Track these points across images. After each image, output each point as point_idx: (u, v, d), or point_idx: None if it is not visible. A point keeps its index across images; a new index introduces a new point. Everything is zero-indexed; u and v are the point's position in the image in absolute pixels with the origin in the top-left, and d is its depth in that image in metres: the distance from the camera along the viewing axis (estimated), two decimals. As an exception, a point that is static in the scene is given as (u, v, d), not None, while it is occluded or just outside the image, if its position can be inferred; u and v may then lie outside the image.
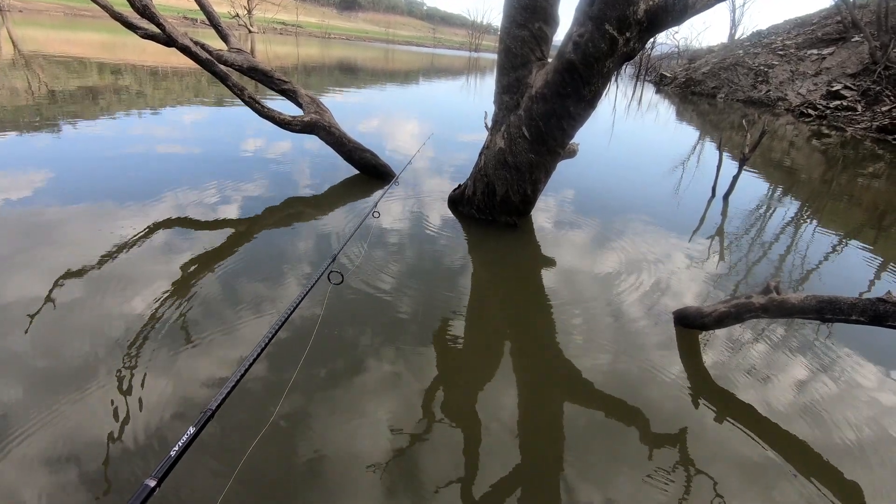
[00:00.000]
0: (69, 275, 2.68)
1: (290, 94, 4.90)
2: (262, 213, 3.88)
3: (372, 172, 5.12)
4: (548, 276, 3.47)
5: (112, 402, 1.88)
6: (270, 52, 23.95)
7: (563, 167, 4.46)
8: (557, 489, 1.76)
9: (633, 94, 23.79)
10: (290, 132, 4.70)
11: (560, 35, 3.56)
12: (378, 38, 67.10)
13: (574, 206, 5.01)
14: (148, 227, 3.37)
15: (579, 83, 3.24)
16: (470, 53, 60.18)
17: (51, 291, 2.51)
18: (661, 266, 3.75)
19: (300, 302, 1.64)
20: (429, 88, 16.90)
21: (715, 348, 2.75)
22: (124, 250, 3.02)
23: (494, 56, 4.11)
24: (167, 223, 3.47)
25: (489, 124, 4.11)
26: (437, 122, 9.56)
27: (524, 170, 3.77)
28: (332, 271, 2.04)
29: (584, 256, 3.82)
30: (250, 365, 1.31)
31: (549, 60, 3.53)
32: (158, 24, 3.76)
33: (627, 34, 3.00)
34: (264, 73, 4.79)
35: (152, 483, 0.96)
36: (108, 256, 2.92)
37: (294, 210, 4.07)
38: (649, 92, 25.37)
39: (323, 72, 17.74)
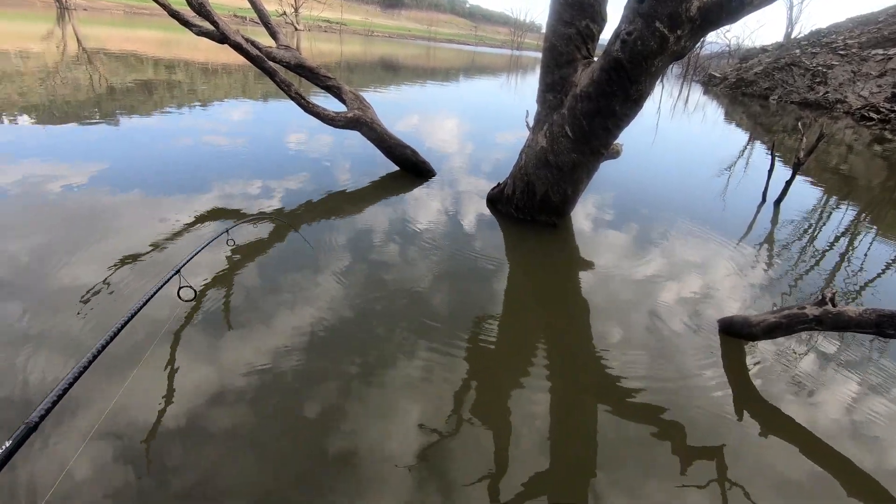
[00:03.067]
0: (120, 260, 2.82)
1: (335, 91, 4.98)
2: (302, 206, 3.98)
3: (411, 169, 5.16)
4: (585, 279, 3.41)
5: (154, 383, 1.97)
6: (315, 49, 24.45)
7: (605, 167, 4.37)
8: (586, 496, 1.73)
9: (680, 94, 23.03)
10: (332, 128, 4.79)
11: (607, 33, 3.49)
12: (420, 35, 67.43)
13: (615, 208, 4.91)
14: (194, 217, 3.51)
15: (626, 82, 3.16)
16: (512, 52, 59.69)
17: (105, 276, 2.65)
18: (704, 272, 3.63)
19: (136, 313, 1.64)
20: (469, 87, 16.87)
21: (760, 359, 2.64)
22: (171, 239, 3.16)
23: (537, 54, 4.08)
24: (213, 214, 3.61)
25: (530, 123, 4.07)
26: (477, 121, 9.53)
27: (566, 169, 3.72)
28: (181, 287, 1.96)
29: (625, 259, 3.74)
30: (78, 375, 1.28)
31: (596, 59, 3.46)
32: (213, 22, 3.90)
33: (679, 32, 2.90)
34: (310, 69, 4.89)
35: None
36: (156, 245, 3.06)
37: (334, 204, 4.15)
38: (697, 92, 24.50)
39: (365, 69, 17.98)
